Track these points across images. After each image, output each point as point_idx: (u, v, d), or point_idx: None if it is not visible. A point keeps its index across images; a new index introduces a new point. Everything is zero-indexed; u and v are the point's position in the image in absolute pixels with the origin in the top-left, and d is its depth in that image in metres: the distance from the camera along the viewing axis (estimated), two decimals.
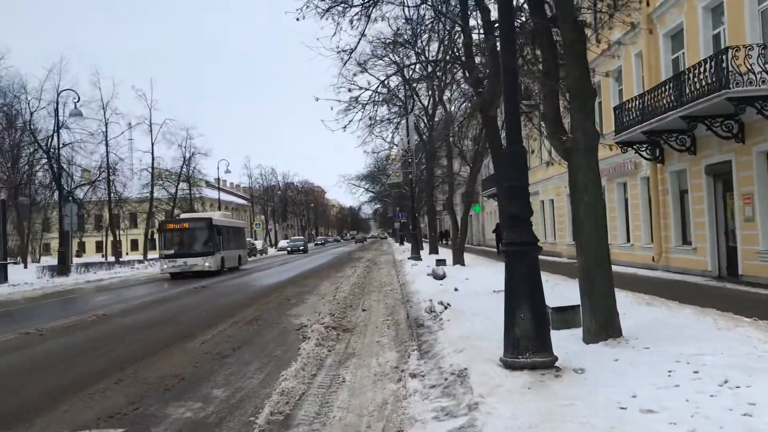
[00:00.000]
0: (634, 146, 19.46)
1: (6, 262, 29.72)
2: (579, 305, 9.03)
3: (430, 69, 24.79)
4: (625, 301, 10.68)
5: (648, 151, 19.38)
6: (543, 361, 6.52)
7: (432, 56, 25.02)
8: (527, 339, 6.56)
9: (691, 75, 15.07)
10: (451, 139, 26.23)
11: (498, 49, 12.32)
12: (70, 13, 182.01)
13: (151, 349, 10.69)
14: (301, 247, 69.80)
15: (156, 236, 41.86)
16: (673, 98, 16.24)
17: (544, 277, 15.60)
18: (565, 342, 7.83)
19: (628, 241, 22.75)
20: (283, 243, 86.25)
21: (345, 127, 16.43)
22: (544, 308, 6.84)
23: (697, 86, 14.71)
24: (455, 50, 16.85)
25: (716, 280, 16.88)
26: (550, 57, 8.48)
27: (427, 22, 17.33)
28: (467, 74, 17.88)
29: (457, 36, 17.39)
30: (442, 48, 19.29)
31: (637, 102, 18.00)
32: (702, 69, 14.52)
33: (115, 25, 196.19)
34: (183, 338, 11.76)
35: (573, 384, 6.18)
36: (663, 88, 16.57)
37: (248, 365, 9.09)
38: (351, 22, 13.83)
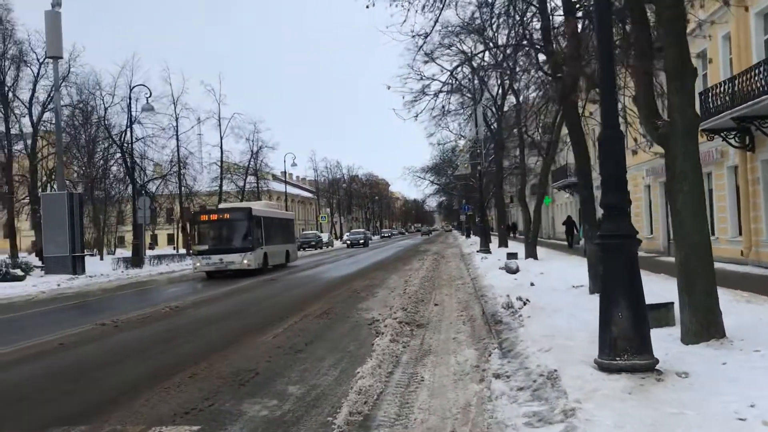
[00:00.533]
0: (722, 134, 18.36)
1: (84, 254, 30.63)
2: (672, 303, 8.42)
3: (500, 56, 24.16)
4: (721, 298, 9.94)
5: (737, 138, 18.24)
6: (643, 363, 6.00)
7: (502, 43, 24.36)
8: (625, 339, 6.04)
9: None
10: (523, 128, 25.45)
11: (579, 30, 11.71)
12: (138, 11, 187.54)
13: (224, 343, 10.58)
14: (361, 240, 65.87)
15: (188, 229, 38.60)
16: (766, 81, 15.20)
17: None
18: (661, 342, 7.22)
19: (713, 234, 21.57)
20: (348, 236, 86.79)
21: (416, 116, 15.89)
22: (644, 306, 6.30)
23: None
24: (529, 35, 16.22)
25: None
26: (642, 36, 7.85)
27: (498, 7, 16.73)
28: (542, 60, 17.24)
29: (530, 20, 16.75)
30: (513, 34, 18.66)
31: (726, 86, 16.95)
32: None
33: (184, 21, 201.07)
34: (254, 331, 11.64)
35: (679, 390, 5.64)
36: (756, 71, 15.52)
37: (322, 361, 8.84)
38: (423, 7, 13.43)
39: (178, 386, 7.67)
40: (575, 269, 18.75)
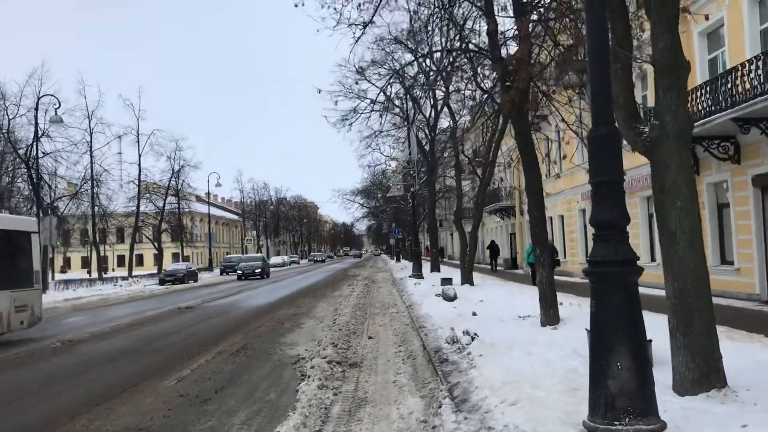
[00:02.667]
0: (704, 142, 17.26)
1: None
2: (650, 340, 7.17)
3: (432, 74, 23.14)
4: None
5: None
6: (650, 429, 4.60)
7: (437, 59, 23.37)
8: (627, 397, 4.65)
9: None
10: (459, 147, 24.39)
11: (530, 32, 10.56)
12: (54, 21, 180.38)
13: (115, 389, 8.68)
14: (257, 270, 45.74)
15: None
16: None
17: (567, 298, 13.72)
18: None
19: (653, 260, 20.90)
20: (275, 259, 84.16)
21: (350, 124, 14.37)
22: (648, 354, 4.93)
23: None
24: (465, 43, 15.11)
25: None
26: (621, 22, 6.65)
27: (435, 12, 15.59)
28: (476, 72, 16.13)
29: (471, 26, 15.66)
30: (447, 42, 17.59)
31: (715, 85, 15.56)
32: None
33: (102, 34, 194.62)
34: (156, 374, 9.77)
35: None
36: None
37: (233, 415, 7.12)
38: (358, 6, 12.08)
39: None
40: (517, 297, 17.63)
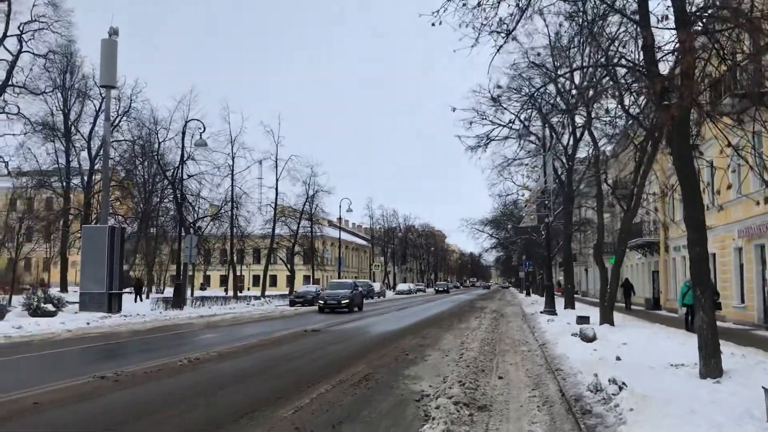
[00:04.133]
0: None
1: (121, 291, 29.10)
2: None
3: (573, 98, 21.88)
4: None
5: None
6: None
7: (577, 82, 22.13)
8: None
9: None
10: (602, 176, 22.86)
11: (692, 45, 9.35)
12: (200, 50, 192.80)
13: (229, 416, 8.29)
14: (343, 301, 34.61)
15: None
16: None
17: (727, 347, 12.03)
18: None
19: None
20: (402, 286, 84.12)
21: (484, 148, 13.54)
22: None
23: None
24: (614, 60, 13.93)
25: None
26: None
27: (579, 32, 14.57)
28: (622, 93, 14.88)
29: (615, 46, 14.49)
30: (594, 62, 16.43)
31: None
32: None
33: (246, 63, 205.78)
34: (275, 401, 9.32)
35: None
36: None
37: None
38: (499, 22, 11.35)
39: None
40: (664, 341, 15.96)
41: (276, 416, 8.32)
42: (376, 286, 66.26)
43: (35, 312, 24.04)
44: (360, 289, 40.18)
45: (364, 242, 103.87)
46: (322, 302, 35.05)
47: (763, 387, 7.32)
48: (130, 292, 40.37)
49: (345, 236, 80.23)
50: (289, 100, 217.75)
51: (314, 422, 7.97)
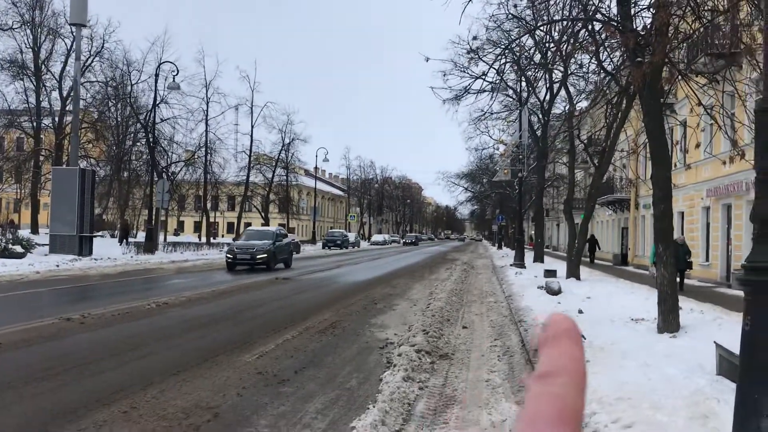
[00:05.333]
0: None
1: (92, 234, 28.82)
2: None
3: (550, 52, 21.71)
4: None
5: None
6: None
7: (555, 35, 21.90)
8: None
9: None
10: (575, 132, 22.89)
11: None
12: None
13: (194, 359, 8.36)
14: (258, 256, 25.75)
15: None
16: None
17: (686, 303, 12.28)
18: None
19: None
20: (377, 237, 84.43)
21: (458, 100, 13.42)
22: None
23: None
24: (591, 13, 13.79)
25: None
26: None
27: None
28: (599, 48, 14.80)
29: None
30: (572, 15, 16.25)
31: None
32: None
33: (223, 8, 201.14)
34: (240, 346, 9.42)
35: None
36: None
37: (308, 401, 6.57)
38: None
39: (98, 428, 5.46)
40: (627, 296, 16.26)
41: (240, 360, 8.40)
42: (351, 236, 66.44)
43: (2, 253, 23.75)
44: (286, 240, 29.87)
45: (340, 192, 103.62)
46: (230, 257, 25.66)
47: (714, 342, 7.53)
48: (102, 236, 39.93)
49: (321, 186, 79.89)
50: (266, 47, 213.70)
51: (277, 367, 8.07)
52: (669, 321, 10.10)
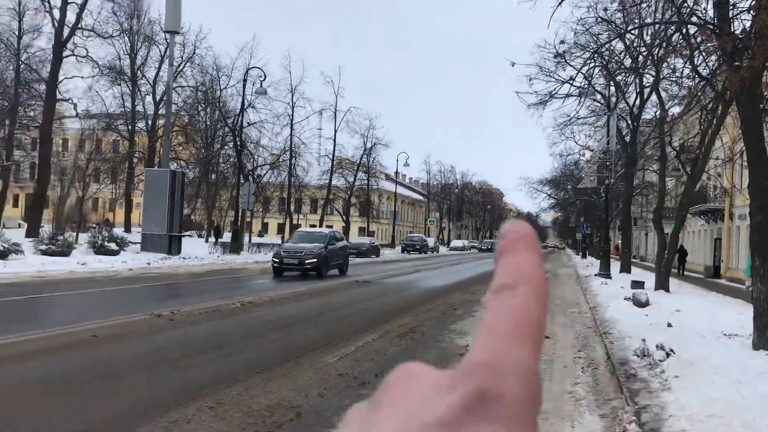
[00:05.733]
0: None
1: (180, 234, 29.98)
2: None
3: (642, 56, 21.03)
4: None
5: None
6: None
7: (647, 39, 21.23)
8: None
9: None
10: (667, 138, 22.08)
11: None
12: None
13: (277, 359, 8.56)
14: (307, 260, 23.24)
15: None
16: None
17: None
18: None
19: None
20: (456, 243, 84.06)
21: (543, 104, 13.20)
22: None
23: None
24: (685, 16, 13.28)
25: None
26: None
27: None
28: (693, 52, 14.21)
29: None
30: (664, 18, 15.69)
31: None
32: None
33: (309, 14, 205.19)
34: (322, 347, 9.57)
35: None
36: None
37: None
38: None
39: (187, 422, 5.67)
40: (720, 310, 15.61)
41: (322, 361, 8.53)
42: (430, 241, 66.36)
43: (99, 250, 25.01)
44: (341, 243, 26.74)
45: (420, 197, 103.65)
46: (276, 261, 23.50)
47: None
48: (190, 235, 41.45)
49: (401, 190, 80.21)
50: (350, 53, 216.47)
51: (358, 369, 8.14)
52: (765, 337, 9.58)
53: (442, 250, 73.37)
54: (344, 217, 58.99)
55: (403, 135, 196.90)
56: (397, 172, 72.13)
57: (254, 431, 5.57)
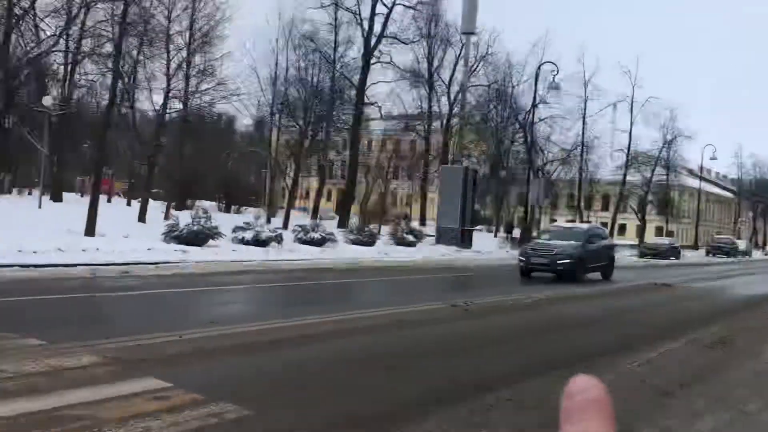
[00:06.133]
0: None
1: (472, 228, 30.98)
2: None
3: None
4: None
5: None
6: None
7: None
8: None
9: None
10: None
11: None
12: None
13: (570, 357, 8.38)
14: (560, 261, 19.34)
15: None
16: None
17: None
18: None
19: None
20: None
21: None
22: None
23: None
24: None
25: None
26: None
27: None
28: None
29: None
30: None
31: None
32: None
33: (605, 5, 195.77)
34: (619, 351, 9.13)
35: None
36: None
37: (697, 419, 6.07)
38: None
39: (487, 410, 5.83)
40: None
41: (620, 365, 8.14)
42: (741, 244, 59.47)
43: (400, 242, 27.00)
44: (604, 242, 22.87)
45: (729, 194, 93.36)
46: (523, 260, 20.24)
47: None
48: (480, 230, 42.59)
49: (706, 187, 73.08)
50: (647, 41, 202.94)
51: (661, 377, 7.62)
52: None
53: (756, 254, 65.25)
54: (639, 215, 55.70)
55: (709, 126, 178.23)
56: (701, 167, 65.94)
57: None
